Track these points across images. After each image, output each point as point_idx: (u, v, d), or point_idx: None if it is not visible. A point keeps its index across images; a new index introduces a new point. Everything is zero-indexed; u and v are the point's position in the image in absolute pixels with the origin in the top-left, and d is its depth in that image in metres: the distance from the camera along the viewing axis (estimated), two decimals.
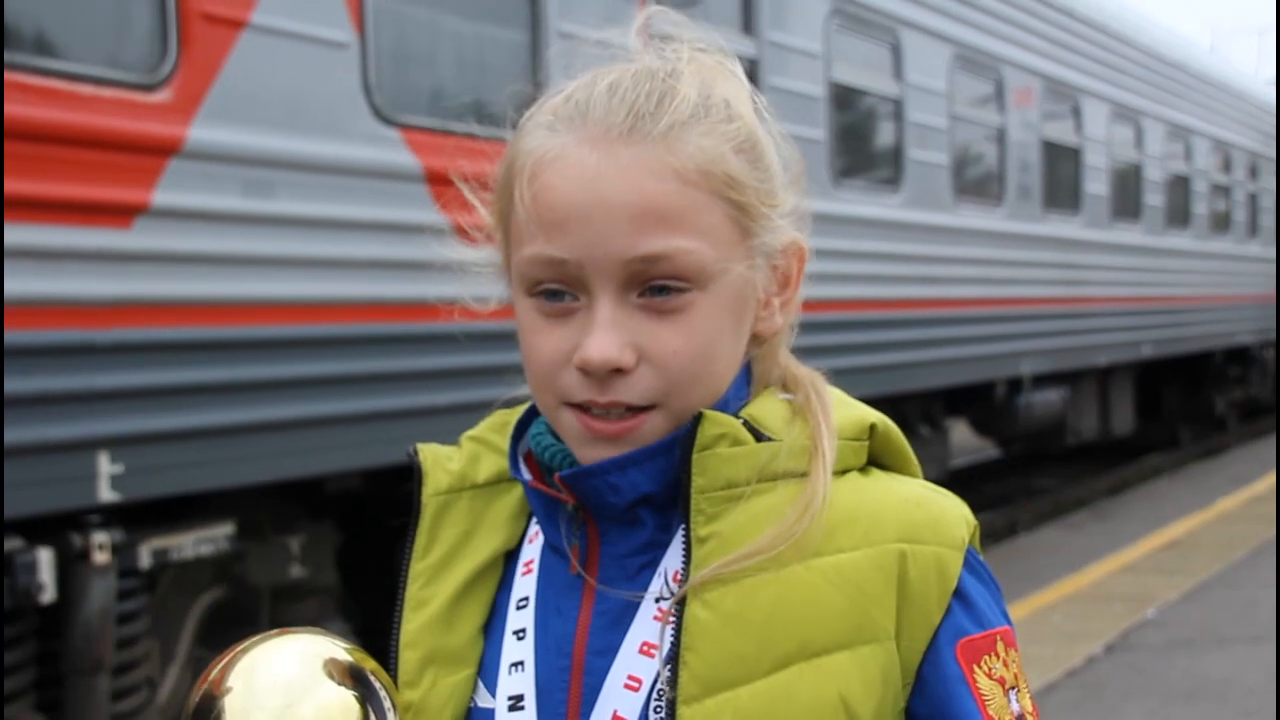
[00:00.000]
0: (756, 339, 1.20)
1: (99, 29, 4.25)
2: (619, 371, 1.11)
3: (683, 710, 1.09)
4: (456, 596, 1.21)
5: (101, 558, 4.15)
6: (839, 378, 1.24)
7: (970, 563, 1.15)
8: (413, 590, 1.22)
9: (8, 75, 3.80)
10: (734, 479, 1.13)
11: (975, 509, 1.22)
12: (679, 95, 1.13)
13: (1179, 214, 14.25)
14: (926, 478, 1.22)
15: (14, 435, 3.82)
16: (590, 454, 1.14)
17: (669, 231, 1.09)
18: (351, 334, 4.87)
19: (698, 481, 1.12)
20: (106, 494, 4.08)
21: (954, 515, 1.17)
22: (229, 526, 4.67)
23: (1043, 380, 10.91)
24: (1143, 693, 6.15)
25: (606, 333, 1.10)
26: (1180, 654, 6.76)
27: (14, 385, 3.82)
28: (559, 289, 1.12)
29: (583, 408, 1.13)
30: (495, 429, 1.27)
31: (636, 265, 1.10)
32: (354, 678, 1.08)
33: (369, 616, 5.45)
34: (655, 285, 1.10)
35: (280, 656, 1.08)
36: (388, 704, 1.09)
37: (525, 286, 1.14)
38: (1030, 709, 1.15)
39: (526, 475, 1.21)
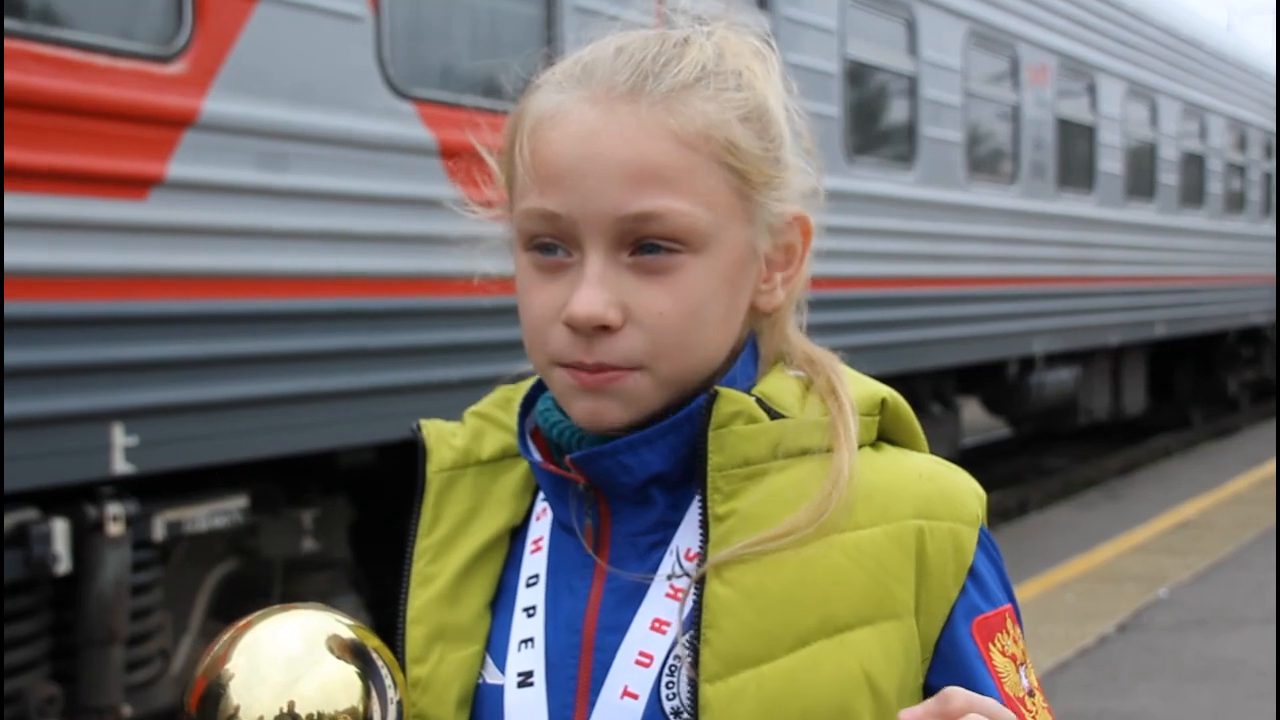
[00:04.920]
0: (757, 313, 1.19)
1: (114, 0, 4.25)
2: (605, 330, 1.10)
3: (706, 688, 1.08)
4: (462, 572, 1.20)
5: (116, 529, 4.17)
6: (851, 355, 1.24)
7: (982, 540, 1.15)
8: (418, 566, 1.21)
9: (24, 45, 3.81)
10: (750, 457, 1.12)
11: (986, 488, 1.23)
12: (686, 59, 1.12)
13: (1193, 193, 14.18)
14: (939, 456, 1.22)
15: (29, 407, 3.84)
16: (579, 408, 1.13)
17: (662, 191, 1.09)
18: (365, 308, 4.88)
19: (714, 459, 1.12)
20: (121, 466, 4.09)
21: (966, 490, 1.17)
22: (242, 499, 4.70)
23: (1055, 359, 10.89)
24: (1156, 672, 6.15)
25: (593, 289, 1.09)
26: (1193, 634, 6.76)
27: (29, 356, 3.83)
28: (552, 243, 1.12)
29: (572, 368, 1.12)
30: (499, 405, 1.27)
31: (628, 223, 1.09)
32: (357, 654, 1.08)
33: (380, 590, 5.48)
34: (646, 244, 1.10)
35: (283, 632, 1.08)
36: (389, 680, 1.09)
37: (522, 241, 1.15)
38: (1036, 684, 1.16)
39: (537, 456, 1.20)
